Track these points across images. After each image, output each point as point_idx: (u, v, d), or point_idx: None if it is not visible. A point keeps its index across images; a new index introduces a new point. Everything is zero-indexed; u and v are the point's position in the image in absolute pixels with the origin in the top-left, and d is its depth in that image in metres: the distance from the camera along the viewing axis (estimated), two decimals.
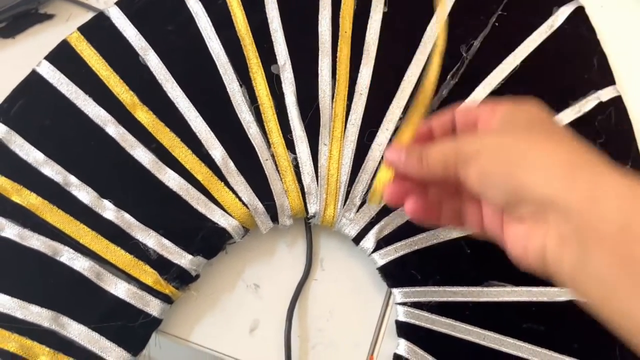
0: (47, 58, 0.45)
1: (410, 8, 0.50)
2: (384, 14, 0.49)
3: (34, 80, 0.45)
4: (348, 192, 0.45)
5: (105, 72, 0.45)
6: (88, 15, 0.48)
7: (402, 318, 0.43)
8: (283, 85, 0.47)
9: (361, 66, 0.48)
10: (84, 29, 0.46)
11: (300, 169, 0.45)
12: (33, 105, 0.44)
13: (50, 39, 0.46)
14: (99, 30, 0.47)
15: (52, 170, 0.43)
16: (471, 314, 0.43)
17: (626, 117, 0.49)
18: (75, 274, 0.41)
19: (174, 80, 0.46)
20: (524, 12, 0.51)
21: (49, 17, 0.49)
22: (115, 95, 0.45)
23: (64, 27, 0.48)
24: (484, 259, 0.44)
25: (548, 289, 0.44)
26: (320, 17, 0.49)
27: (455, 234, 0.45)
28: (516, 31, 0.50)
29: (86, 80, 0.45)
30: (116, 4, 0.47)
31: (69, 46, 0.46)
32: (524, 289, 0.44)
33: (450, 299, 0.43)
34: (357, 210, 0.45)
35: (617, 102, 0.49)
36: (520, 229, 0.30)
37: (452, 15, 0.50)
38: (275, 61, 0.47)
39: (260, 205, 0.44)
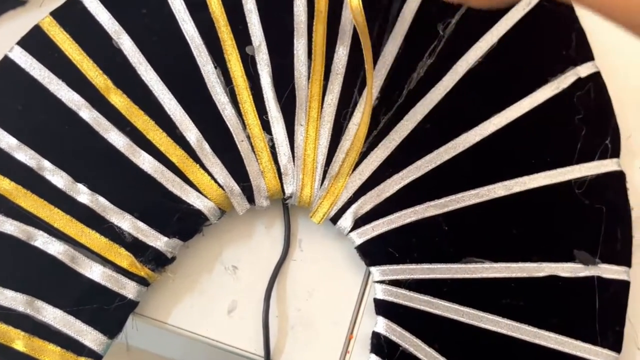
0: (19, 43, 0.45)
1: None
2: None
3: (6, 65, 0.44)
4: (325, 172, 0.45)
5: (79, 56, 0.45)
6: (61, 0, 0.48)
7: (380, 296, 0.43)
8: (258, 66, 0.46)
9: (337, 46, 0.48)
10: (56, 14, 0.46)
11: (277, 149, 0.45)
12: (6, 91, 0.44)
13: (24, 25, 0.46)
14: (71, 14, 0.46)
15: (25, 155, 0.42)
16: (450, 291, 0.43)
17: (605, 93, 0.49)
18: (50, 258, 0.40)
19: (148, 63, 0.45)
20: None
21: (22, 3, 0.48)
22: (89, 79, 0.45)
23: (38, 13, 0.48)
24: (462, 235, 0.45)
25: (527, 264, 0.44)
26: None
27: (432, 210, 0.44)
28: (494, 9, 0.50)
29: (59, 64, 0.45)
30: None
31: (41, 31, 0.45)
32: (503, 265, 0.44)
33: (428, 276, 0.43)
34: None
35: (595, 78, 0.49)
36: None
37: None
38: (250, 42, 0.47)
39: (236, 187, 0.43)
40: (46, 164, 0.42)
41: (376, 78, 0.47)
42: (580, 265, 0.44)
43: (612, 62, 0.51)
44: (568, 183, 0.46)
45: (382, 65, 0.47)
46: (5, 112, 0.44)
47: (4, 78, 0.44)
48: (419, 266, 0.43)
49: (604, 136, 0.48)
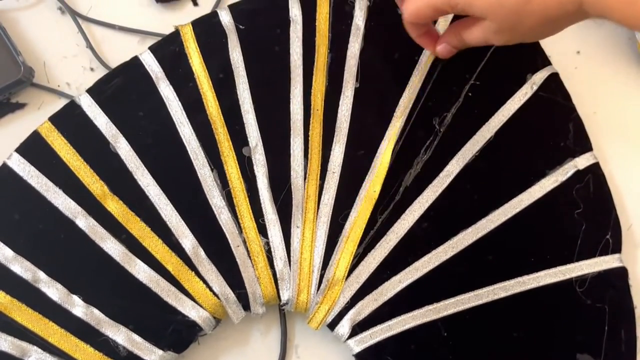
0: (17, 150, 0.45)
1: (382, 82, 0.50)
2: (356, 89, 0.49)
3: (4, 173, 0.45)
4: (322, 276, 0.44)
5: (76, 162, 0.45)
6: (60, 102, 0.49)
7: None
8: (255, 167, 0.47)
9: (333, 144, 0.48)
10: (54, 119, 0.46)
11: (273, 253, 0.45)
12: (2, 200, 0.44)
13: (23, 128, 0.46)
14: (69, 119, 0.47)
15: (21, 267, 0.42)
16: None
17: (604, 185, 0.49)
18: None
19: (145, 168, 0.46)
20: (498, 81, 0.51)
21: (21, 106, 0.49)
22: (86, 185, 0.45)
23: (36, 115, 0.49)
24: (461, 341, 0.44)
25: None
26: (291, 95, 0.49)
27: (431, 315, 0.44)
28: (490, 101, 0.50)
29: (57, 171, 0.45)
30: (87, 91, 0.48)
31: (39, 137, 0.46)
32: None
33: None
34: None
35: (594, 169, 0.49)
36: None
37: (424, 87, 0.50)
38: (246, 143, 0.47)
39: (231, 295, 0.43)
40: (42, 275, 0.42)
41: (373, 176, 0.47)
42: None
43: (612, 149, 0.51)
44: (569, 282, 0.46)
45: (378, 162, 0.47)
46: (2, 221, 0.44)
47: (1, 186, 0.45)
48: None
49: (604, 231, 0.47)
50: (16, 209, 0.44)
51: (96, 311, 0.42)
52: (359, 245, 0.45)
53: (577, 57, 0.53)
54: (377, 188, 0.46)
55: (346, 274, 0.44)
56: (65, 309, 0.42)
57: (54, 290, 0.42)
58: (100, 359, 0.41)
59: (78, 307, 0.42)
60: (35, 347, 0.41)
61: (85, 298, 0.42)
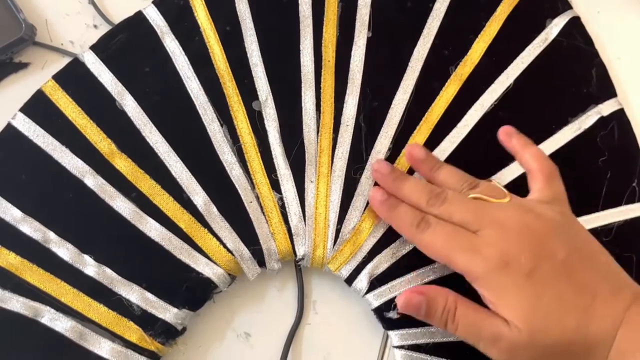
0: (22, 110, 0.44)
1: (395, 31, 0.48)
2: (368, 39, 0.47)
3: (9, 134, 0.44)
4: (338, 231, 0.43)
5: (82, 120, 0.44)
6: (64, 61, 0.47)
7: None
8: (265, 122, 0.45)
9: (346, 96, 0.46)
10: (58, 77, 0.45)
11: (287, 209, 0.43)
12: (9, 160, 0.43)
13: (27, 89, 0.45)
14: (74, 77, 0.45)
15: (30, 227, 0.41)
16: (472, 353, 0.41)
17: (630, 131, 0.47)
18: (57, 336, 0.39)
19: (152, 125, 0.44)
20: (515, 27, 0.49)
21: (24, 65, 0.47)
22: (93, 144, 0.44)
23: (40, 75, 0.47)
24: None
25: None
26: (301, 47, 0.47)
27: None
28: (509, 47, 0.48)
29: (63, 130, 0.44)
30: (91, 47, 0.46)
31: (44, 96, 0.45)
32: None
33: (449, 339, 0.41)
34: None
35: (619, 116, 0.47)
36: None
37: (439, 35, 0.48)
38: (256, 97, 0.46)
39: (246, 251, 0.42)
40: (52, 235, 0.41)
41: (388, 127, 0.45)
42: None
43: (636, 94, 0.49)
44: (594, 231, 0.44)
45: (394, 114, 0.46)
46: (9, 182, 0.43)
47: (7, 147, 0.44)
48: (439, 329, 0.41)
49: (630, 178, 0.46)
50: (23, 169, 0.43)
51: (108, 270, 0.41)
52: None
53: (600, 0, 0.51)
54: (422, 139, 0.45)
55: (371, 230, 0.43)
56: (76, 268, 0.41)
57: (64, 250, 0.41)
58: (114, 318, 0.40)
59: (90, 266, 0.41)
60: (48, 307, 0.40)
61: (96, 257, 0.41)
